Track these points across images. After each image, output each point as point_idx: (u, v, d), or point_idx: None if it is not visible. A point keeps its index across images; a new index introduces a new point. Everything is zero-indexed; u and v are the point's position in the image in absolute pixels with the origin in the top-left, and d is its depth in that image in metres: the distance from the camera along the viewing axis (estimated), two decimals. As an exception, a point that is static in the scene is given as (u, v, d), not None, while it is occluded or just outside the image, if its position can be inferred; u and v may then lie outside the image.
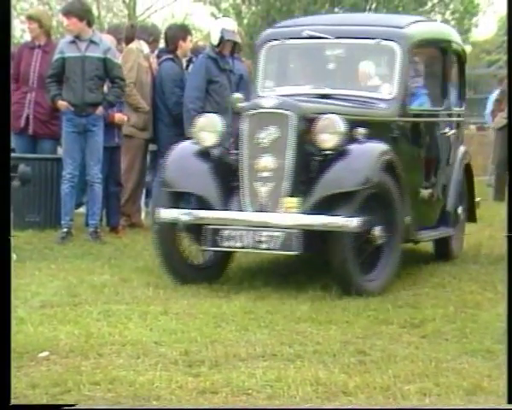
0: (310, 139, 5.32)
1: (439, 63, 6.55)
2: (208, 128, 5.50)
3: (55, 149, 7.67)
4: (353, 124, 5.41)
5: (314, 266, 5.94)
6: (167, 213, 5.33)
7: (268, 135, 5.30)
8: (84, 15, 6.93)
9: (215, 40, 7.46)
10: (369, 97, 5.94)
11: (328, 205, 5.15)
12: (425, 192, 6.23)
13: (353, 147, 5.34)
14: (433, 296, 5.26)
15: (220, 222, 5.24)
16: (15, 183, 6.56)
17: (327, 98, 5.85)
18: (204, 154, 5.47)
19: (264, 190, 5.28)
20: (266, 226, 5.15)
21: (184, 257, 5.51)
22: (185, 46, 7.86)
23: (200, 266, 5.62)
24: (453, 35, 6.97)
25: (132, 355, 3.89)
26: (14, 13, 24.65)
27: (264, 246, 5.16)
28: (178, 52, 7.79)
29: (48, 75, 6.95)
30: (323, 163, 5.27)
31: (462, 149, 6.80)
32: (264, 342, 4.13)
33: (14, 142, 7.72)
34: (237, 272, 5.80)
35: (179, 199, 5.45)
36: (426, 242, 6.40)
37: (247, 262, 6.10)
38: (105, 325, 4.37)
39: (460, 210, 6.61)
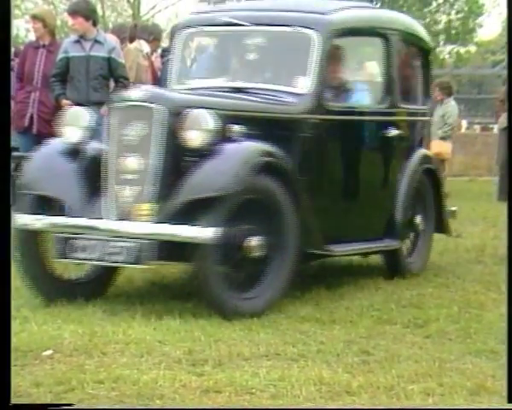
0: (179, 137, 4.64)
1: (381, 55, 5.73)
2: (73, 123, 4.88)
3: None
4: (252, 121, 4.83)
5: (317, 266, 5.94)
6: (21, 220, 4.70)
7: (134, 131, 4.64)
8: (90, 15, 6.94)
9: None
10: (283, 91, 5.20)
11: (189, 212, 4.45)
12: (354, 200, 5.54)
13: (224, 147, 4.62)
14: (436, 296, 5.26)
15: (71, 230, 4.62)
16: (19, 181, 6.56)
17: (240, 92, 5.18)
18: (70, 152, 4.84)
19: (127, 194, 4.62)
20: (117, 236, 4.49)
21: (50, 270, 4.84)
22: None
23: (77, 280, 4.98)
24: (404, 24, 6.06)
25: (136, 354, 3.89)
26: (18, 12, 24.71)
27: (114, 258, 4.50)
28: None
29: (52, 74, 6.97)
30: (191, 165, 4.58)
31: (420, 152, 5.99)
32: (267, 342, 4.13)
33: (18, 141, 7.74)
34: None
35: (43, 203, 4.80)
36: (371, 254, 5.86)
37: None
38: (109, 324, 4.37)
39: (419, 220, 5.93)
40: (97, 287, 4.96)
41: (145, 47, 7.87)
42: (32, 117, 7.45)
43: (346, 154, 5.50)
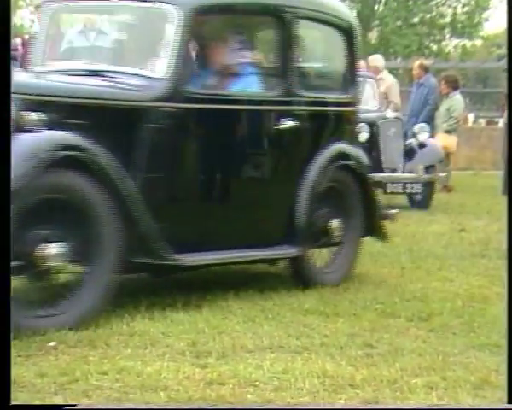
0: None
1: (273, 35, 5.05)
2: None
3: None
4: (82, 109, 4.19)
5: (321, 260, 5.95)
6: None
7: None
8: None
9: None
10: (137, 75, 4.53)
11: None
12: (226, 202, 4.83)
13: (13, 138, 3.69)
14: (440, 290, 5.26)
15: None
16: None
17: (98, 76, 4.55)
18: None
19: None
20: None
21: None
22: None
23: None
24: (312, 1, 5.21)
25: (140, 346, 3.90)
26: (22, 3, 24.70)
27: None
28: None
29: None
30: None
31: (335, 147, 5.21)
32: (271, 334, 4.14)
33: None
34: (244, 265, 5.80)
35: None
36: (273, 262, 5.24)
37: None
38: (113, 315, 4.38)
39: (335, 225, 5.20)
40: None
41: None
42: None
43: (213, 148, 4.68)
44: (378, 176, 8.31)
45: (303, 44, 5.15)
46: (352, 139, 5.52)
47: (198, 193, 4.71)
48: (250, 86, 4.96)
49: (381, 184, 8.78)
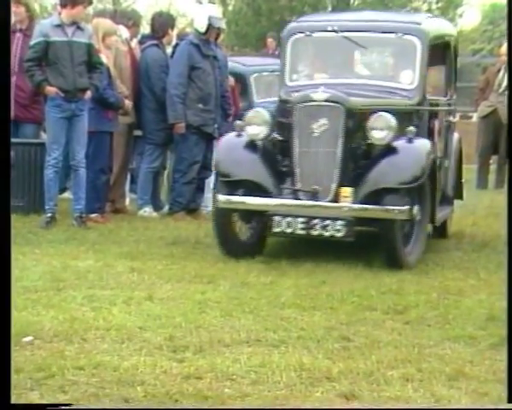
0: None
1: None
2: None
3: (37, 133, 7.62)
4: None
5: (298, 252, 5.97)
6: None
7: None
8: (86, 2, 6.89)
9: (202, 27, 7.46)
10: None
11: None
12: None
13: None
14: (416, 283, 5.30)
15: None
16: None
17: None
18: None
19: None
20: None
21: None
22: (172, 35, 7.87)
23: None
24: None
25: (116, 340, 3.89)
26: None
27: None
28: (165, 40, 7.78)
29: (28, 58, 6.82)
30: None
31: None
32: (248, 328, 4.15)
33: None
34: (222, 259, 5.80)
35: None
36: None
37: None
38: (89, 310, 4.36)
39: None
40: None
41: (124, 32, 7.82)
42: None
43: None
44: None
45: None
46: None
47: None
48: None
49: None
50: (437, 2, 24.13)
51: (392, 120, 5.79)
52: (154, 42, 7.72)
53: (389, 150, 5.79)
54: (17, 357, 3.60)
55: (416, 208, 5.73)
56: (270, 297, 4.78)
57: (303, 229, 5.58)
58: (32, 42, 6.81)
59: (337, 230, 5.56)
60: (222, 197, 5.77)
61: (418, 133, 6.02)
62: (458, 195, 7.20)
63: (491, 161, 10.98)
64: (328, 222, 5.57)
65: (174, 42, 8.03)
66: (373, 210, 5.61)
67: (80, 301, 4.55)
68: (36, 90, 7.01)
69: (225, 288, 4.95)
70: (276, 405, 3.21)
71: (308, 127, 5.77)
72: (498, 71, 10.53)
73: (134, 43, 8.03)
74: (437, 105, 6.66)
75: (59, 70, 6.74)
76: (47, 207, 6.85)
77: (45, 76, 6.76)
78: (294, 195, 5.74)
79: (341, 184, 5.71)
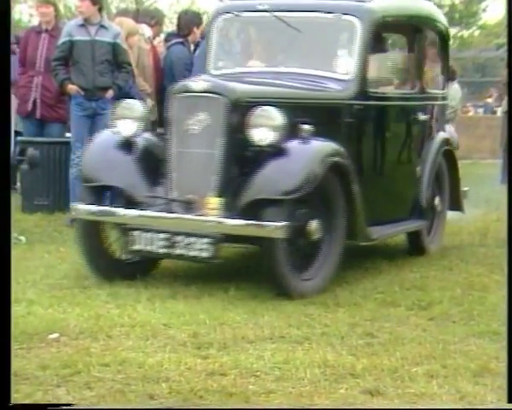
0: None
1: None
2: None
3: (62, 132, 7.68)
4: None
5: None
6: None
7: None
8: (97, 0, 6.93)
9: None
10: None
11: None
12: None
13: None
14: (440, 279, 5.28)
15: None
16: (24, 166, 6.58)
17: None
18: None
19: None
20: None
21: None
22: (197, 33, 7.89)
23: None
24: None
25: (141, 337, 3.91)
26: (21, -3, 24.57)
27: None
28: (190, 38, 7.80)
29: (54, 58, 6.95)
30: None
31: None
32: (272, 325, 4.15)
33: (21, 126, 7.75)
34: (245, 255, 5.81)
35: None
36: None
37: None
38: (114, 307, 4.39)
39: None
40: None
41: (147, 31, 7.86)
42: (35, 102, 7.45)
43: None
44: None
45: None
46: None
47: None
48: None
49: None
50: (460, -3, 23.97)
51: (277, 117, 4.63)
52: (180, 40, 7.74)
53: (275, 153, 4.64)
54: (43, 354, 3.64)
55: (313, 224, 4.71)
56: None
57: (164, 247, 4.61)
58: (59, 42, 6.91)
59: (201, 249, 4.53)
60: (81, 207, 4.84)
61: (349, 133, 5.18)
62: (455, 205, 6.38)
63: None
64: (193, 239, 4.54)
65: (197, 39, 8.06)
66: (243, 226, 4.49)
67: (105, 298, 4.58)
68: (59, 88, 7.08)
69: (248, 285, 4.96)
70: (300, 401, 3.21)
71: (184, 123, 4.68)
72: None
73: (157, 41, 8.07)
74: (391, 99, 5.68)
75: (80, 69, 6.81)
76: (72, 205, 6.90)
77: (68, 75, 6.86)
78: (167, 205, 4.69)
79: (220, 194, 4.63)
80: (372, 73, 5.41)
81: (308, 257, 4.81)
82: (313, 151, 4.77)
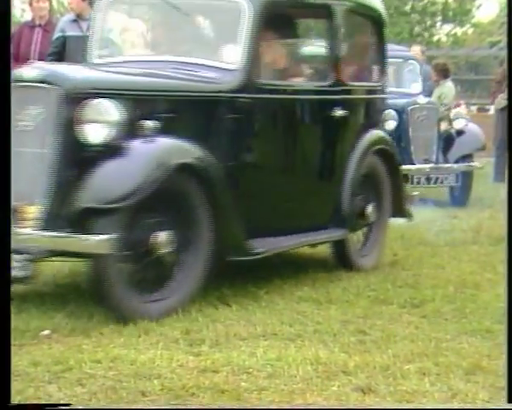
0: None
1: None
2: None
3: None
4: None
5: (314, 246, 5.96)
6: None
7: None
8: None
9: None
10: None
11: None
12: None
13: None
14: (432, 277, 5.28)
15: None
16: None
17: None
18: None
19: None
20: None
21: None
22: None
23: None
24: None
25: (133, 334, 3.91)
26: (13, -8, 24.45)
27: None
28: None
29: (48, 53, 6.96)
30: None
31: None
32: (264, 322, 4.15)
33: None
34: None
35: None
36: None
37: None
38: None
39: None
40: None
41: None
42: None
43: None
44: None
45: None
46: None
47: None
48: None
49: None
50: (454, -6, 23.99)
51: (111, 111, 3.98)
52: None
53: (110, 154, 3.98)
54: (35, 351, 3.63)
55: (161, 236, 4.05)
56: (286, 291, 4.78)
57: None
58: (53, 37, 6.92)
59: (16, 267, 3.83)
60: None
61: (233, 130, 4.51)
62: (398, 212, 5.65)
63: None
64: (19, 257, 3.85)
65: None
66: (61, 239, 3.84)
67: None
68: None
69: (241, 282, 4.96)
70: (292, 398, 3.21)
71: (15, 118, 3.92)
72: (516, 63, 10.47)
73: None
74: (288, 92, 4.92)
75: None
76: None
77: None
78: None
79: (49, 201, 3.97)
80: (269, 62, 4.84)
81: (158, 275, 4.13)
82: (153, 151, 4.08)
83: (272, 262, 5.49)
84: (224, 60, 4.65)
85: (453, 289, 4.95)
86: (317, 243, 5.25)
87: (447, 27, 24.78)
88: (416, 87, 9.46)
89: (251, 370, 3.48)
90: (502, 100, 10.63)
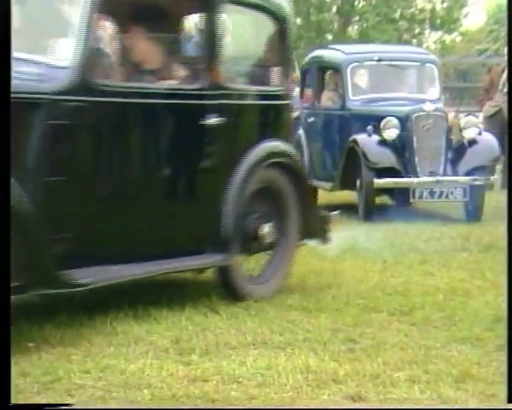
0: None
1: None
2: None
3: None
4: None
5: (303, 254, 5.96)
6: None
7: None
8: None
9: None
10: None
11: None
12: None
13: None
14: (422, 284, 5.29)
15: None
16: None
17: None
18: None
19: None
20: None
21: None
22: None
23: None
24: None
25: (123, 344, 3.90)
26: None
27: None
28: None
29: None
30: None
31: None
32: (254, 331, 4.15)
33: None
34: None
35: None
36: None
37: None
38: (95, 314, 4.36)
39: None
40: None
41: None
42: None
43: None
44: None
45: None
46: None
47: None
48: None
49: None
50: (442, 3, 24.11)
51: None
52: None
53: None
54: (24, 361, 3.61)
55: None
56: (276, 300, 4.77)
57: None
58: None
59: None
60: None
61: (56, 138, 3.81)
62: (310, 235, 4.99)
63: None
64: None
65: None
66: None
67: (87, 305, 4.55)
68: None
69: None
70: (282, 407, 3.21)
71: None
72: (503, 71, 10.53)
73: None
74: (139, 96, 4.20)
75: None
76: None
77: None
78: None
79: None
80: (121, 60, 4.30)
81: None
82: None
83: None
84: (58, 56, 3.95)
85: (443, 296, 4.96)
86: (189, 270, 4.61)
87: (435, 35, 24.91)
88: (433, 93, 8.80)
89: (241, 379, 3.47)
90: (490, 107, 10.69)
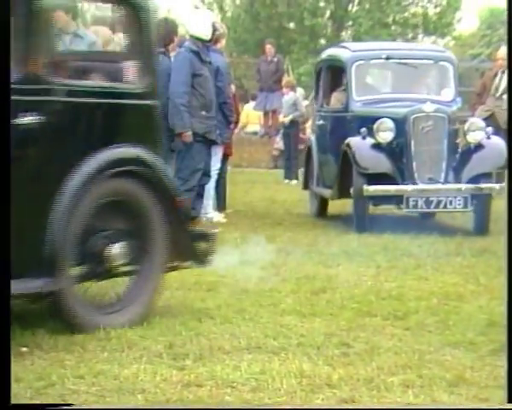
0: None
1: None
2: None
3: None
4: None
5: (297, 258, 5.97)
6: None
7: None
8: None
9: (207, 35, 7.46)
10: None
11: None
12: None
13: None
14: (416, 289, 5.29)
15: None
16: None
17: None
18: None
19: None
20: None
21: None
22: (177, 41, 7.85)
23: None
24: None
25: (117, 349, 3.89)
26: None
27: None
28: (170, 46, 7.75)
29: None
30: None
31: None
32: (248, 335, 4.14)
33: None
34: (220, 266, 5.80)
35: None
36: None
37: (231, 255, 6.10)
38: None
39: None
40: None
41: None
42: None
43: None
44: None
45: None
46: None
47: None
48: None
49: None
50: (435, 7, 24.18)
51: None
52: (162, 50, 7.60)
53: None
54: (17, 367, 3.59)
55: None
56: (270, 304, 4.77)
57: None
58: None
59: None
60: None
61: None
62: (183, 254, 4.39)
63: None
64: None
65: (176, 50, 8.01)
66: None
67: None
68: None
69: (225, 295, 4.95)
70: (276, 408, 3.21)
71: None
72: (495, 75, 10.56)
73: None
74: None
75: None
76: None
77: None
78: None
79: None
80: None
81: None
82: None
83: (255, 275, 5.49)
84: None
85: (436, 301, 4.96)
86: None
87: (428, 39, 24.95)
88: (448, 93, 8.01)
89: (235, 384, 3.47)
90: (482, 112, 10.71)
